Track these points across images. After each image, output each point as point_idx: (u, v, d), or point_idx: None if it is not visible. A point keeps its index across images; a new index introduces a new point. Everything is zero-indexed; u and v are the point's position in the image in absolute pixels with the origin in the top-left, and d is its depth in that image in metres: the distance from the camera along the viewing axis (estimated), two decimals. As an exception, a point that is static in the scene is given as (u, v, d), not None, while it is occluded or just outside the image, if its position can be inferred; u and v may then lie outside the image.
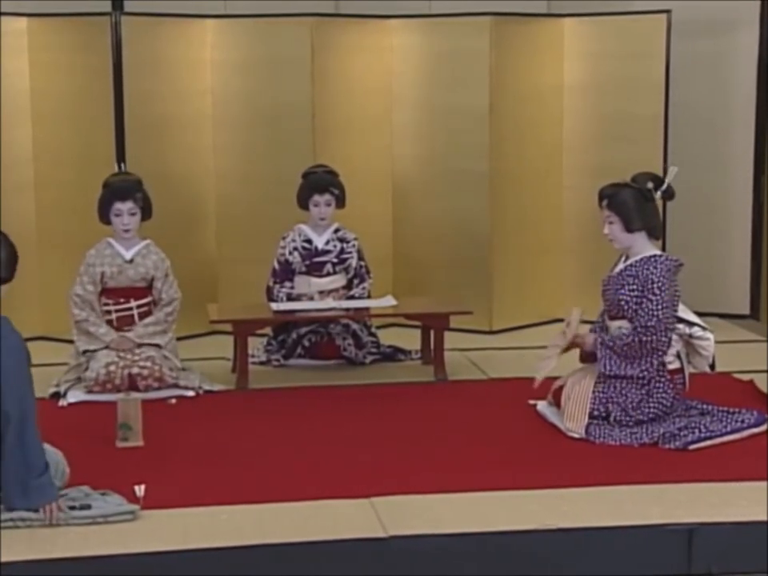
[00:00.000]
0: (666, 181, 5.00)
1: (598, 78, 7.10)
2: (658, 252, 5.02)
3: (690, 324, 4.99)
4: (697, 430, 4.79)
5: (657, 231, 5.05)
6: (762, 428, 4.92)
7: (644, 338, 4.83)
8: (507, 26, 6.87)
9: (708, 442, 4.76)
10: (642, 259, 4.97)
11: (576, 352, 5.21)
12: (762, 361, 6.11)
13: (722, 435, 4.81)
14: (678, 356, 5.01)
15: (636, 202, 4.95)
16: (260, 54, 6.81)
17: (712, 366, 5.04)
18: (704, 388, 5.33)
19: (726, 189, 7.51)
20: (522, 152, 7.04)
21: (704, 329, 5.01)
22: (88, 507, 3.94)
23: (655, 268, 4.91)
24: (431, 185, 7.09)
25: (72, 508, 3.92)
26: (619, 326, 5.01)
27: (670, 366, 4.97)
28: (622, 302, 4.94)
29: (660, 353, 4.89)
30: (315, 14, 6.80)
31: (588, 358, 5.09)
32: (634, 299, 4.91)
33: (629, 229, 4.97)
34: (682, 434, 4.78)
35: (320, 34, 6.76)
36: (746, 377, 5.76)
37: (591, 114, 7.15)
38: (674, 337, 4.96)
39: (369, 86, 7.03)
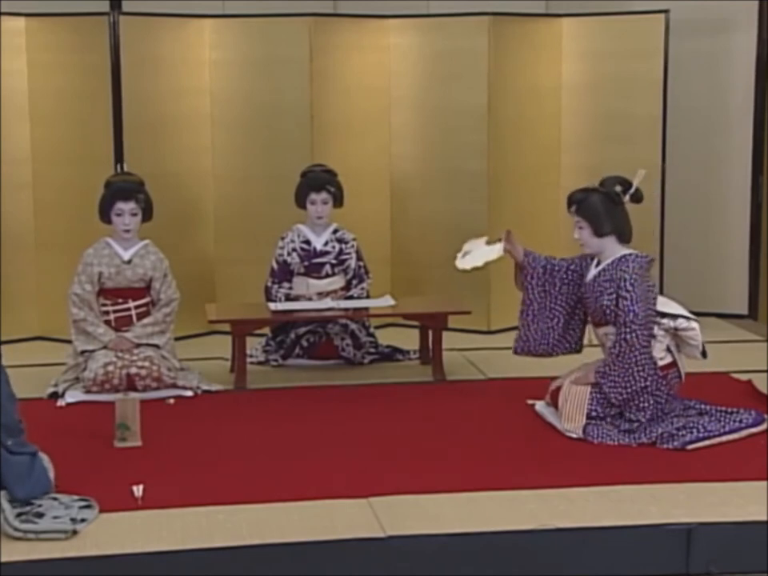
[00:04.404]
0: (634, 184, 4.99)
1: (596, 77, 7.10)
2: (628, 251, 5.00)
3: (674, 317, 4.98)
4: (695, 430, 4.79)
5: (627, 235, 5.02)
6: (761, 428, 4.92)
7: (627, 336, 4.83)
8: (505, 26, 6.87)
9: (706, 442, 4.76)
10: (612, 261, 4.97)
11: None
12: (760, 361, 6.12)
13: (720, 435, 4.81)
14: (669, 350, 5.01)
15: (605, 207, 4.96)
16: (258, 53, 6.82)
17: (704, 354, 5.04)
18: (702, 388, 5.34)
19: (724, 188, 7.52)
20: (520, 151, 7.04)
21: (688, 319, 5.00)
22: (41, 516, 3.89)
23: (627, 266, 4.91)
24: (429, 184, 7.09)
25: (20, 514, 3.87)
26: (605, 333, 5.02)
27: (663, 362, 4.96)
28: (605, 309, 4.94)
29: (646, 349, 4.86)
30: (313, 14, 6.81)
31: (517, 279, 5.20)
32: (614, 302, 4.91)
33: (598, 233, 4.97)
34: (680, 433, 4.78)
35: (318, 34, 6.77)
36: (744, 377, 5.76)
37: (589, 114, 7.16)
38: (661, 332, 4.96)
39: (367, 85, 7.03)
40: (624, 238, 5.01)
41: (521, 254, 5.22)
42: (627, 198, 4.98)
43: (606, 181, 5.02)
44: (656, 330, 4.93)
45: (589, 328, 5.23)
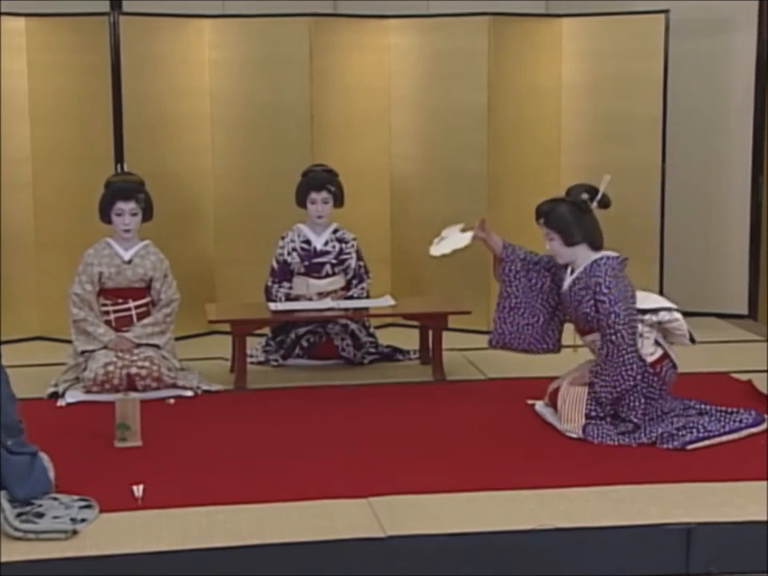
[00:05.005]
0: (600, 190, 4.97)
1: (596, 77, 7.10)
2: (599, 255, 4.97)
3: (656, 311, 4.98)
4: (695, 430, 4.79)
5: (598, 241, 4.99)
6: (760, 428, 4.91)
7: (612, 338, 4.81)
8: (505, 26, 6.87)
9: (706, 442, 4.76)
10: (585, 269, 4.95)
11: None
12: (760, 361, 6.12)
13: (720, 435, 4.81)
14: (658, 343, 5.00)
15: (573, 216, 4.94)
16: (258, 53, 6.82)
17: (692, 340, 5.03)
18: (702, 388, 5.34)
19: (724, 188, 7.52)
20: (520, 151, 7.04)
21: (669, 310, 5.00)
22: (41, 516, 3.89)
23: (599, 270, 4.89)
24: (429, 184, 7.09)
25: (20, 514, 3.87)
26: (592, 340, 5.01)
27: (654, 356, 4.94)
28: (587, 317, 4.93)
29: (632, 348, 4.84)
30: (313, 14, 6.81)
31: (496, 271, 5.23)
32: (593, 309, 4.89)
33: (569, 243, 4.96)
34: (680, 433, 4.78)
35: (318, 34, 6.77)
36: (744, 377, 5.76)
37: (589, 114, 7.16)
38: (646, 328, 4.95)
39: (367, 85, 7.03)
40: (595, 244, 4.98)
41: (498, 244, 5.22)
42: (595, 204, 4.97)
43: (572, 190, 5.02)
44: (641, 328, 4.92)
45: (574, 332, 5.21)
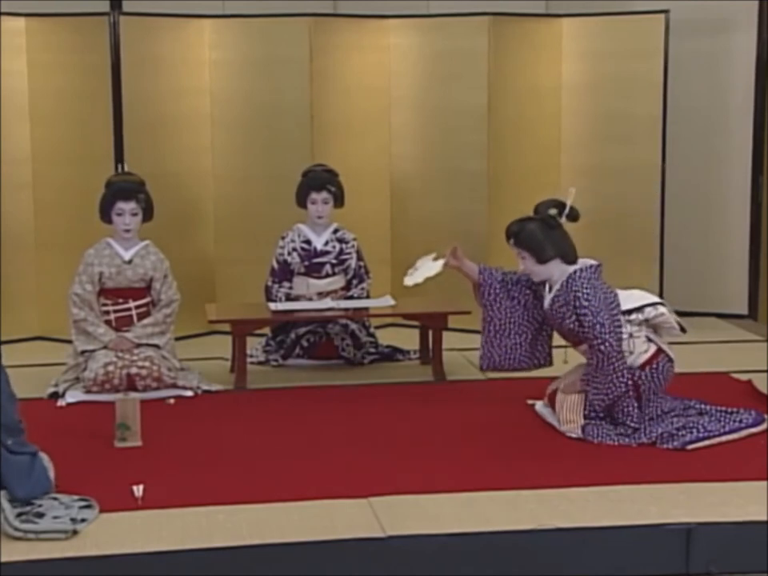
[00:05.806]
0: (568, 203, 4.96)
1: (596, 77, 7.10)
2: (573, 268, 4.94)
3: (641, 309, 4.97)
4: (695, 430, 4.79)
5: (571, 255, 4.96)
6: (761, 428, 4.91)
7: (601, 347, 4.78)
8: (505, 26, 6.87)
9: (706, 442, 4.76)
10: (562, 285, 4.93)
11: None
12: (760, 361, 6.12)
13: (720, 435, 4.80)
14: (650, 339, 4.99)
15: (543, 233, 4.92)
16: (258, 53, 6.83)
17: (682, 329, 5.03)
18: (702, 388, 5.34)
19: (724, 188, 7.52)
20: (520, 151, 7.05)
21: (654, 305, 4.99)
22: (41, 516, 3.89)
23: (575, 284, 4.86)
24: (429, 184, 7.10)
25: (20, 514, 3.87)
26: (584, 350, 4.99)
27: (648, 354, 4.93)
28: (573, 331, 4.92)
29: (621, 355, 4.80)
30: (313, 14, 6.82)
31: (476, 296, 5.21)
32: (577, 324, 4.87)
33: (541, 260, 4.94)
34: (680, 433, 4.78)
35: (318, 34, 6.78)
36: (744, 377, 5.75)
37: (589, 114, 7.16)
38: (635, 327, 4.94)
39: (367, 85, 7.04)
40: (568, 258, 4.95)
41: (474, 270, 5.21)
42: (563, 219, 4.96)
43: (540, 207, 5.01)
44: (629, 328, 4.92)
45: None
